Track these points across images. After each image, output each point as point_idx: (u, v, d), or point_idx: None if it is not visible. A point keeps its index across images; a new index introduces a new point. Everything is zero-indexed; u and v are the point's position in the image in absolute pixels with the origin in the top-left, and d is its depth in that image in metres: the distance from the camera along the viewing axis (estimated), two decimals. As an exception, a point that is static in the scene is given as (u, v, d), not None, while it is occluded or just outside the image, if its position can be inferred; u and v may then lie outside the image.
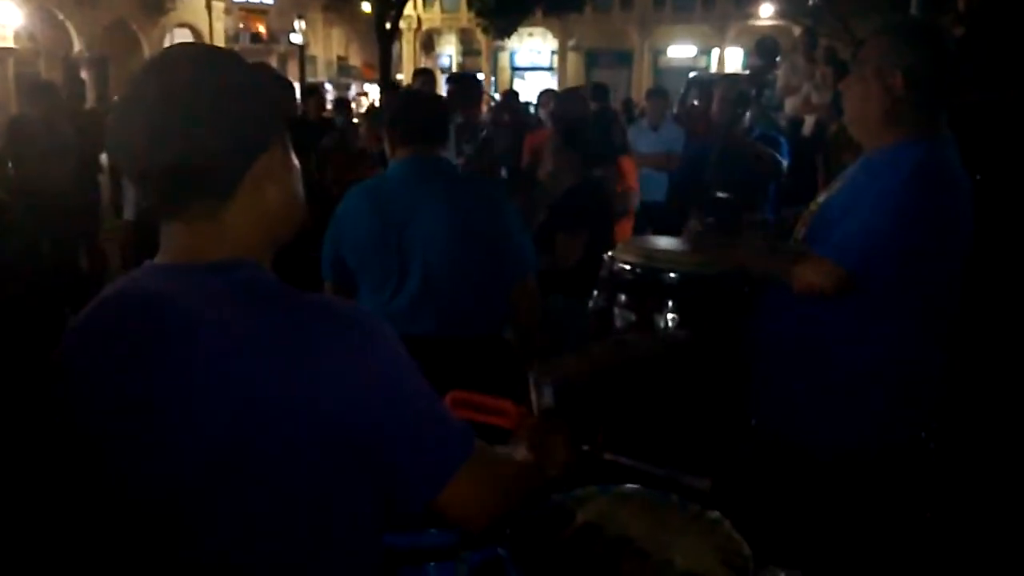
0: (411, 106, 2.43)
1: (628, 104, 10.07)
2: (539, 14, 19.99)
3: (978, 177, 1.92)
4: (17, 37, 19.03)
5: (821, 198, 1.90)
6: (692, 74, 11.37)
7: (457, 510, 0.96)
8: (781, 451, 1.93)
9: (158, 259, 0.95)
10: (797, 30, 8.76)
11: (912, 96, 1.68)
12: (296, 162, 1.00)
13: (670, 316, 2.71)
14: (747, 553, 1.29)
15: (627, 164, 4.43)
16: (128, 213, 4.38)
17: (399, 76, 20.92)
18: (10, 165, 5.20)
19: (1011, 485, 2.42)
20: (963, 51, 2.24)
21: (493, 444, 1.35)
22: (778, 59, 6.43)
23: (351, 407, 0.87)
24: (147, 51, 21.32)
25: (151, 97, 0.87)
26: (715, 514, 1.39)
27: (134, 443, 0.90)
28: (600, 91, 6.31)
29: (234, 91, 0.90)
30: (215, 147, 0.88)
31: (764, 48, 6.55)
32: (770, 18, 19.54)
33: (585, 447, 2.03)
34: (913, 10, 4.44)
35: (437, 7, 30.64)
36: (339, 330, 0.89)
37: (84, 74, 16.21)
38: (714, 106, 4.45)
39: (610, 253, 2.82)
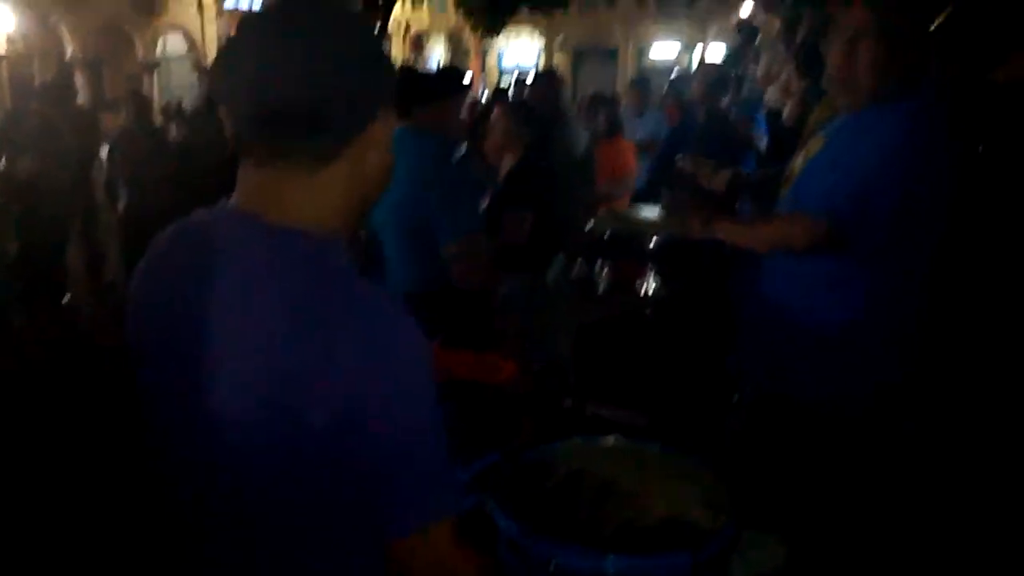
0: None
1: (613, 99, 10.23)
2: (526, 13, 20.14)
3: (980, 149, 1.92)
4: (10, 41, 19.03)
5: (803, 155, 1.88)
6: (673, 75, 11.51)
7: (413, 563, 0.88)
8: (765, 404, 1.96)
9: (237, 199, 0.89)
10: (778, 23, 8.99)
11: (914, 58, 1.69)
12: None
13: (651, 278, 2.90)
14: (730, 496, 1.33)
15: (620, 147, 4.50)
16: (121, 209, 4.46)
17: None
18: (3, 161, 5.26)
19: (992, 452, 2.36)
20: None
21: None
22: (758, 39, 6.70)
23: (362, 406, 0.80)
24: (141, 53, 21.14)
25: (272, 32, 0.82)
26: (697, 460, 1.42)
27: (167, 375, 0.90)
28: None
29: (360, 42, 0.85)
30: (336, 91, 0.82)
31: (744, 29, 6.91)
32: (750, 16, 19.72)
33: (568, 401, 2.22)
34: None
35: (425, 9, 30.72)
36: (378, 330, 0.83)
37: (78, 76, 16.19)
38: (694, 88, 4.63)
39: (591, 222, 2.98)
